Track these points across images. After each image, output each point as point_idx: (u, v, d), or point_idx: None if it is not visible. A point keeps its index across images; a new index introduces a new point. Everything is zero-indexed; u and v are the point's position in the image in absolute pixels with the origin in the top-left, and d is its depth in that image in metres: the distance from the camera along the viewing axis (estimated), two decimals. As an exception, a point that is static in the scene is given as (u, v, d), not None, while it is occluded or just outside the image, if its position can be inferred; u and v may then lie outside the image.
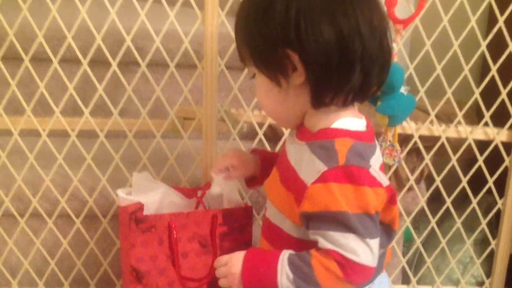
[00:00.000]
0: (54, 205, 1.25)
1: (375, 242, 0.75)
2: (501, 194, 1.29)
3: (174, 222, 1.05)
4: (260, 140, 1.24)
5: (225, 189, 1.09)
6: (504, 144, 1.25)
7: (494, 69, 1.20)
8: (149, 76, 1.17)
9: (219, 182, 1.05)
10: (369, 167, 0.76)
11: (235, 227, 1.10)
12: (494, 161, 1.26)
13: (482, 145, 1.26)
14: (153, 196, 1.09)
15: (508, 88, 1.22)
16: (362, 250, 0.73)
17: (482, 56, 1.21)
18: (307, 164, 0.77)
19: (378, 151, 0.83)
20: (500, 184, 1.27)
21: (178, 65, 1.18)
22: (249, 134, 1.36)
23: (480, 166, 1.26)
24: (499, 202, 1.29)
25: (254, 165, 1.01)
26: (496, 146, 1.25)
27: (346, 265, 0.73)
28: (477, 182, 1.28)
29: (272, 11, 0.74)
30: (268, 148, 1.23)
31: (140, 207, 1.05)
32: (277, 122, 0.91)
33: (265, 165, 0.99)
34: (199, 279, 1.07)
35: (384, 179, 0.77)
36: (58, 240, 1.26)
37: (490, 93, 1.23)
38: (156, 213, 1.07)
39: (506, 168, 1.27)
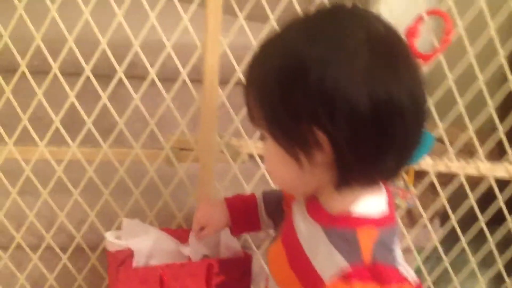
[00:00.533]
0: (39, 239, 1.17)
1: None
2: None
3: (167, 273, 0.97)
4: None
5: (222, 236, 1.02)
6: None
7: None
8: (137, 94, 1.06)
9: (193, 243, 1.00)
10: (398, 264, 0.66)
11: (233, 277, 1.01)
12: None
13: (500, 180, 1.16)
14: (144, 241, 1.00)
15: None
16: None
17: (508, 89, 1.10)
18: (324, 256, 0.66)
19: (398, 224, 0.73)
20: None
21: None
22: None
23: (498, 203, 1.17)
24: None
25: (224, 217, 0.95)
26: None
27: None
28: (493, 217, 1.19)
29: (303, 78, 0.61)
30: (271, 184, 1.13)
31: (129, 253, 0.97)
32: (286, 190, 0.80)
33: (234, 214, 0.94)
34: None
35: (411, 273, 0.67)
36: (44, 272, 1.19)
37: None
38: (147, 259, 0.99)
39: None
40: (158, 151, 1.12)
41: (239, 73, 1.06)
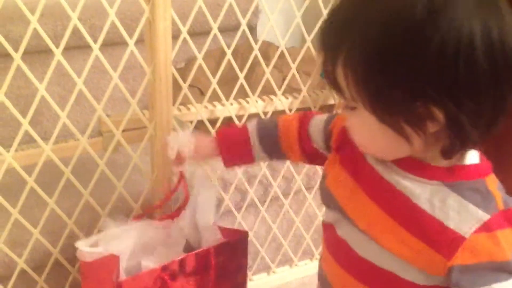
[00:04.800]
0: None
1: None
2: None
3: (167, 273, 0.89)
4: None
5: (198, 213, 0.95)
6: None
7: None
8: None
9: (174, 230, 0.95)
10: None
11: (232, 258, 0.97)
12: None
13: None
14: (126, 241, 0.90)
15: None
16: None
17: None
18: (457, 212, 0.64)
19: None
20: None
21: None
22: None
23: None
24: None
25: (210, 143, 0.89)
26: None
27: None
28: None
29: (425, 46, 0.54)
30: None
31: (115, 260, 0.85)
32: (376, 156, 0.70)
33: (224, 143, 0.88)
34: None
35: None
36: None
37: None
38: (130, 258, 0.90)
39: None
40: (100, 138, 0.96)
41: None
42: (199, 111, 1.03)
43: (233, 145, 0.88)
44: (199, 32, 1.32)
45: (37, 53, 1.20)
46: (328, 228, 0.76)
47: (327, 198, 0.75)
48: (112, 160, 0.98)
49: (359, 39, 0.57)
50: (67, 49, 0.88)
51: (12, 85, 1.16)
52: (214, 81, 1.03)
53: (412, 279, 0.68)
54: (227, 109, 1.07)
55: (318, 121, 0.83)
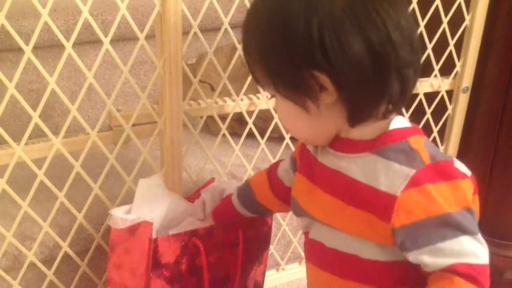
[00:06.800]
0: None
1: (481, 236, 0.67)
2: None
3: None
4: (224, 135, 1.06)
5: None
6: (448, 92, 1.26)
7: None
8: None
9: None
10: (452, 159, 0.69)
11: (257, 235, 0.99)
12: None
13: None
14: (158, 209, 0.93)
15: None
16: (479, 249, 0.65)
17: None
18: (385, 174, 0.67)
19: None
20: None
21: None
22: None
23: (427, 118, 1.26)
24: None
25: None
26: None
27: (476, 274, 0.63)
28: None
29: (291, 30, 0.65)
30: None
31: (149, 225, 0.87)
32: (307, 142, 0.79)
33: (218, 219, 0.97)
34: None
35: (466, 169, 0.71)
36: None
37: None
38: (164, 229, 0.93)
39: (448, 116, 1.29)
40: (110, 133, 0.96)
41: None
42: (210, 106, 1.03)
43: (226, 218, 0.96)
44: (210, 28, 1.32)
45: (49, 48, 1.20)
46: (305, 236, 0.81)
47: (294, 207, 0.81)
48: (122, 155, 0.98)
49: (252, 29, 0.71)
50: (79, 44, 0.88)
51: (24, 79, 1.18)
52: (224, 77, 1.02)
53: (372, 256, 0.71)
54: (238, 104, 1.07)
55: (284, 162, 0.90)
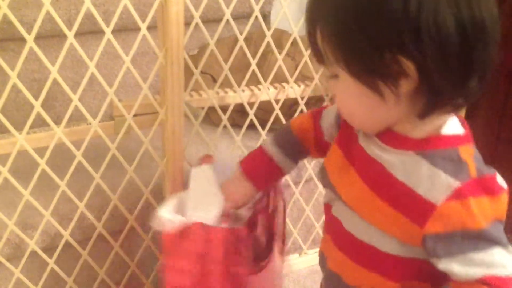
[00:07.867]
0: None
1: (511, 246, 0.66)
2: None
3: None
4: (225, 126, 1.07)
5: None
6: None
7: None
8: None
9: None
10: (495, 172, 0.67)
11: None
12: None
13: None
14: (212, 209, 0.82)
15: None
16: (508, 261, 0.64)
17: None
18: (428, 179, 0.65)
19: None
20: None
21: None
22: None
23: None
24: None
25: (248, 191, 0.86)
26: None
27: (505, 286, 0.63)
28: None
29: (384, 5, 0.58)
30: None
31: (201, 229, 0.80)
32: (358, 127, 0.73)
33: (256, 180, 0.86)
34: None
35: (503, 181, 0.70)
36: None
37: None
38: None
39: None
40: (112, 123, 0.96)
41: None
42: (211, 97, 1.04)
43: (259, 170, 0.87)
44: (212, 19, 1.32)
45: (51, 38, 1.21)
46: (326, 208, 0.79)
47: (323, 177, 0.78)
48: (123, 145, 0.98)
49: (330, 3, 0.63)
50: (81, 34, 0.88)
51: (26, 69, 1.18)
52: (226, 68, 1.03)
53: (391, 251, 0.70)
54: (239, 95, 1.07)
55: (329, 115, 0.84)
